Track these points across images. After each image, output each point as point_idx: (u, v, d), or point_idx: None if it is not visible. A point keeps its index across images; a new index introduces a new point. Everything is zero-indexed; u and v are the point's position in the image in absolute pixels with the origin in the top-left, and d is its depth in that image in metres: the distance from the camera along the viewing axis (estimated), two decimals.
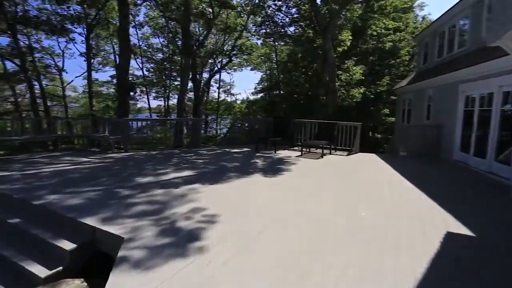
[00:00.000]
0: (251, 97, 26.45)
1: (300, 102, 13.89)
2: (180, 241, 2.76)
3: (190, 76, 11.96)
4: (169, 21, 16.14)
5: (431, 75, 9.89)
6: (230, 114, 27.51)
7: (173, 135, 10.63)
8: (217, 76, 25.61)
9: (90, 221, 3.24)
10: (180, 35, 19.76)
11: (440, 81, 8.98)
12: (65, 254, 2.99)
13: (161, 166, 6.31)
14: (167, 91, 24.29)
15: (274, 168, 6.26)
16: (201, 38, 15.26)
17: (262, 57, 23.78)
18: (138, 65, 22.56)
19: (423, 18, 25.66)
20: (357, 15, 16.45)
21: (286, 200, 4.15)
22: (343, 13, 13.81)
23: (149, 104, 24.21)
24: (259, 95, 24.92)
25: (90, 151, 8.31)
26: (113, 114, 18.50)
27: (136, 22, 21.06)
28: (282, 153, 8.17)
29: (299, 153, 8.13)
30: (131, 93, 16.81)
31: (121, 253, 2.55)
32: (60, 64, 19.30)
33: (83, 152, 8.02)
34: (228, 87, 28.45)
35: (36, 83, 17.20)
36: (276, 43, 17.44)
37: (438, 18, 10.68)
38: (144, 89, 23.91)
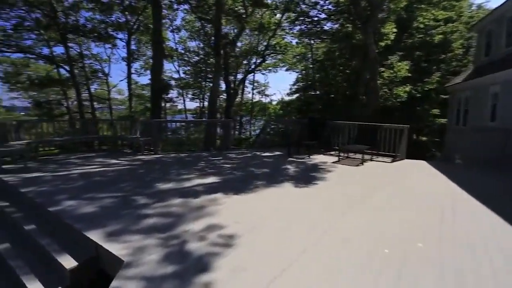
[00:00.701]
0: (286, 98, 25.76)
1: (337, 103, 12.97)
2: (186, 272, 2.28)
3: (223, 77, 11.71)
4: (204, 23, 16.14)
5: (497, 68, 8.45)
6: (264, 115, 27.08)
7: (204, 137, 10.38)
8: (251, 77, 25.38)
9: (96, 235, 2.92)
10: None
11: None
12: (66, 273, 2.68)
13: (186, 170, 5.98)
14: (203, 92, 24.56)
15: (307, 176, 5.61)
16: (233, 38, 15.00)
17: (297, 57, 22.99)
18: (175, 67, 23.08)
19: (480, 6, 22.94)
20: (402, 6, 14.99)
21: (320, 220, 3.50)
22: (386, 4, 12.59)
23: (184, 106, 24.67)
24: (294, 96, 24.17)
25: (123, 153, 8.33)
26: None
27: (174, 26, 21.55)
28: (317, 158, 7.45)
29: (336, 159, 7.34)
30: (165, 95, 17.14)
31: (114, 283, 2.14)
32: (106, 69, 20.47)
33: (116, 154, 8.04)
34: (263, 88, 28.06)
35: (84, 87, 18.39)
36: (312, 41, 16.59)
37: (506, 1, 9.13)
38: (181, 91, 24.40)
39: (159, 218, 3.41)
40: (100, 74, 20.20)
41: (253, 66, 20.39)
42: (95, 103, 22.72)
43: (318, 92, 18.95)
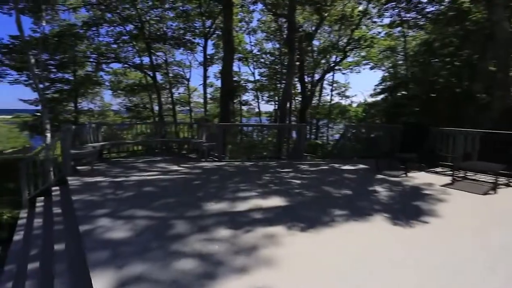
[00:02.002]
0: (369, 99, 22.87)
1: (441, 104, 10.27)
2: None
3: (297, 76, 10.52)
4: (279, 19, 15.27)
5: None
6: (344, 119, 24.68)
7: (276, 143, 9.33)
8: (330, 77, 23.43)
9: (102, 281, 2.13)
10: None
11: None
12: None
13: (247, 185, 5.02)
14: (277, 95, 23.81)
15: (407, 207, 3.97)
16: (311, 31, 13.64)
17: (384, 52, 20.08)
18: (251, 70, 22.94)
19: None
20: None
21: None
22: None
23: (259, 108, 24.35)
24: (379, 97, 21.19)
25: (188, 158, 7.95)
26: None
27: (250, 29, 21.40)
28: (418, 177, 5.57)
29: (447, 180, 5.33)
30: (235, 97, 16.89)
31: None
32: (188, 74, 21.72)
33: (180, 159, 7.70)
34: (343, 88, 25.67)
35: (168, 91, 19.80)
36: (406, 30, 13.90)
37: None
38: (256, 93, 24.17)
39: (192, 262, 2.45)
40: (182, 80, 21.45)
41: (332, 65, 18.57)
42: (177, 106, 24.47)
43: (409, 92, 15.94)
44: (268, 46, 22.96)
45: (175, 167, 6.45)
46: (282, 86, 23.39)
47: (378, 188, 4.84)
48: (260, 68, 24.14)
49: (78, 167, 6.18)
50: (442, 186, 4.93)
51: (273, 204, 4.01)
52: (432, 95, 10.53)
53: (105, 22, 13.73)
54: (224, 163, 7.09)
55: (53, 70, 14.22)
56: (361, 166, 6.69)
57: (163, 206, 3.85)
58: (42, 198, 5.09)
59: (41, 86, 8.47)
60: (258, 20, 21.20)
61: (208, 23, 16.22)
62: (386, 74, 22.18)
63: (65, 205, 4.26)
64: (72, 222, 3.58)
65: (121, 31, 14.71)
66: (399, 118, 11.45)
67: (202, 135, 8.11)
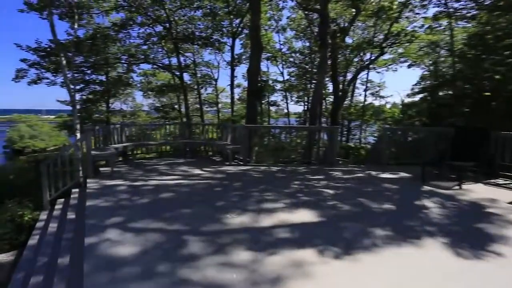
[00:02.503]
0: (406, 100, 21.27)
1: (496, 104, 8.98)
2: None
3: (329, 75, 9.81)
4: (310, 13, 14.56)
5: None
6: (378, 120, 23.23)
7: (305, 146, 8.68)
8: (363, 77, 22.19)
9: None
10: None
11: None
12: None
13: (273, 194, 4.51)
14: (307, 95, 23.02)
15: (469, 230, 3.24)
16: (345, 26, 12.77)
17: (424, 49, 18.50)
18: (280, 70, 22.35)
19: None
20: None
21: None
22: None
23: (288, 109, 23.68)
24: (417, 97, 19.59)
25: (212, 161, 7.61)
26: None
27: (279, 27, 20.85)
28: (475, 191, 4.70)
29: None
30: (262, 97, 16.38)
31: None
32: (216, 75, 21.60)
33: (204, 162, 7.37)
34: (378, 88, 24.23)
35: (195, 92, 19.85)
36: (455, 22, 12.50)
37: None
38: (285, 93, 23.57)
39: None
40: (210, 80, 21.42)
41: (367, 63, 17.47)
42: (205, 106, 24.53)
43: (453, 92, 14.40)
44: (298, 44, 22.28)
45: (197, 171, 6.11)
46: (312, 86, 22.62)
47: (427, 203, 4.09)
48: (289, 68, 23.53)
49: (101, 169, 6.07)
50: (510, 203, 4.07)
51: (302, 219, 3.46)
52: (486, 93, 9.27)
53: (135, 23, 13.93)
54: (249, 167, 6.63)
55: (87, 72, 14.72)
56: (403, 174, 5.90)
57: (178, 218, 3.47)
58: (62, 200, 4.97)
59: (72, 87, 8.59)
60: (287, 18, 20.56)
61: (236, 22, 15.96)
62: (426, 72, 20.53)
63: (80, 210, 4.04)
64: (81, 231, 3.31)
65: (151, 32, 14.88)
66: (443, 120, 10.30)
67: (227, 136, 7.74)
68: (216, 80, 21.57)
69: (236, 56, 17.29)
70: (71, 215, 4.03)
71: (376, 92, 24.44)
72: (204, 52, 19.97)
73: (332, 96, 12.93)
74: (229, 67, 17.05)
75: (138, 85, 19.00)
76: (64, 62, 8.55)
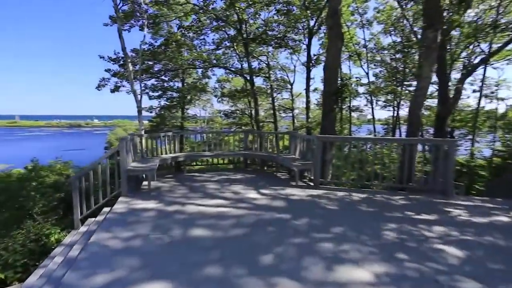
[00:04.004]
0: None
1: None
2: None
3: (435, 69, 7.19)
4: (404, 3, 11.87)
5: None
6: (494, 129, 17.99)
7: (398, 165, 6.31)
8: (478, 74, 17.50)
9: None
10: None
11: None
12: None
13: (354, 246, 2.78)
14: (397, 98, 19.52)
15: None
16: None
17: None
18: (364, 71, 19.50)
19: None
20: None
21: None
22: None
23: (373, 115, 20.52)
24: None
25: (275, 178, 6.13)
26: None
27: (364, 21, 18.22)
28: None
29: None
30: (343, 101, 14.08)
31: None
32: (291, 78, 20.26)
33: (266, 179, 5.96)
34: (495, 88, 18.90)
35: (268, 97, 18.86)
36: None
37: None
38: (370, 97, 20.57)
39: None
40: (285, 84, 20.14)
41: (486, 55, 13.45)
42: (280, 112, 23.33)
43: None
44: (387, 41, 19.16)
45: (252, 194, 4.71)
46: (404, 88, 19.06)
47: None
48: (376, 68, 20.48)
49: (145, 182, 5.25)
50: None
51: None
52: None
53: (207, 26, 13.65)
54: (322, 192, 4.90)
55: (165, 79, 15.19)
56: None
57: (199, 283, 2.08)
58: (93, 220, 4.21)
59: (138, 90, 8.39)
60: (375, 9, 17.84)
61: (313, 19, 14.28)
62: None
63: (85, 245, 3.06)
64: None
65: (223, 37, 14.48)
66: None
67: (295, 149, 6.16)
68: (291, 84, 20.19)
69: (313, 56, 15.54)
70: (76, 249, 3.09)
71: (492, 92, 19.10)
72: (279, 54, 18.91)
73: (438, 98, 9.91)
74: (305, 68, 15.42)
75: (212, 90, 19.03)
76: (131, 67, 8.44)
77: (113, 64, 11.38)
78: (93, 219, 4.25)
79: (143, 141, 5.79)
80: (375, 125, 20.40)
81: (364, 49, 18.77)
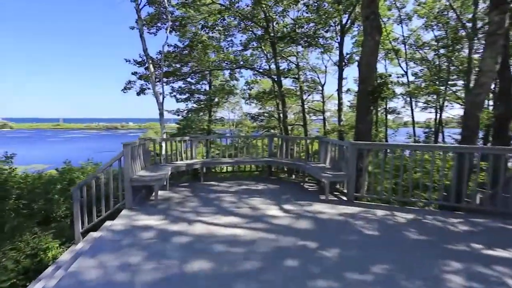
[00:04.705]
0: None
1: None
2: None
3: (500, 60, 5.93)
4: None
5: None
6: None
7: (452, 177, 5.18)
8: None
9: None
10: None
11: None
12: None
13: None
14: (441, 99, 17.71)
15: None
16: None
17: None
18: (402, 69, 17.91)
19: None
20: None
21: None
22: None
23: (413, 118, 18.83)
24: None
25: (301, 190, 5.38)
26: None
27: (403, 15, 16.76)
28: None
29: None
30: (381, 101, 12.78)
31: None
32: (322, 79, 19.24)
33: (291, 191, 5.24)
34: None
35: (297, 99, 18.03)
36: None
37: None
38: (408, 98, 18.95)
39: None
40: (315, 85, 19.18)
41: None
42: (311, 115, 22.32)
43: None
44: (428, 37, 17.48)
45: (273, 210, 4.01)
46: (448, 87, 17.22)
47: None
48: (415, 66, 18.85)
49: (161, 192, 4.77)
50: None
51: None
52: None
53: (235, 28, 13.21)
54: (357, 209, 4.07)
55: (192, 81, 15.01)
56: None
57: None
58: (94, 234, 3.77)
59: (159, 91, 8.09)
60: (415, 1, 16.35)
61: (345, 18, 13.29)
62: None
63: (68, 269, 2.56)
64: None
65: (251, 37, 13.95)
66: None
67: (324, 157, 5.36)
68: (322, 86, 19.18)
69: (346, 55, 14.49)
70: (54, 279, 2.60)
71: None
72: (309, 55, 18.02)
73: (499, 96, 8.46)
74: (337, 68, 14.39)
75: (240, 92, 18.58)
76: (152, 69, 8.17)
77: (139, 67, 11.35)
78: (94, 233, 3.81)
79: (158, 146, 5.34)
80: (415, 128, 18.62)
81: (403, 45, 17.26)
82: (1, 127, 68.77)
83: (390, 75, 8.31)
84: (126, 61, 11.11)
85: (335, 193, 4.92)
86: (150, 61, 7.91)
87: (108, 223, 3.75)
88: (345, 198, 4.59)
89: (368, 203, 4.47)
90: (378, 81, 7.31)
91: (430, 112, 20.32)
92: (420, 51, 18.43)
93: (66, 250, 3.64)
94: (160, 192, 4.84)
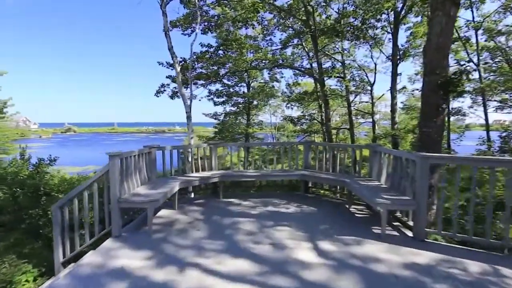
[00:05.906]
0: None
1: None
2: None
3: None
4: None
5: None
6: None
7: None
8: None
9: None
10: None
11: None
12: None
13: None
14: None
15: None
16: None
17: None
18: (473, 62, 14.99)
19: None
20: None
21: None
22: None
23: (486, 119, 15.82)
24: None
25: (347, 216, 4.08)
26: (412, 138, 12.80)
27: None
28: None
29: None
30: (456, 96, 10.40)
31: None
32: (371, 78, 17.28)
33: (332, 217, 3.99)
34: None
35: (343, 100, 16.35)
36: None
37: None
38: (481, 96, 15.99)
39: None
40: (363, 84, 17.26)
41: None
42: (358, 117, 20.31)
43: None
44: (506, 22, 14.52)
45: (305, 250, 2.83)
46: None
47: None
48: (488, 58, 15.84)
49: (159, 214, 3.90)
50: None
51: None
52: None
53: (274, 26, 12.19)
54: (433, 257, 2.67)
55: (229, 83, 14.33)
56: None
57: None
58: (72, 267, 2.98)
59: (187, 94, 7.37)
60: None
61: (400, 4, 11.37)
62: None
63: None
64: None
65: (290, 34, 12.80)
66: None
67: (379, 171, 3.99)
68: (372, 85, 17.18)
69: (401, 48, 12.49)
70: None
71: None
72: (356, 51, 16.23)
73: None
74: (390, 63, 12.47)
75: (282, 94, 17.45)
76: (178, 68, 7.48)
77: (172, 69, 10.93)
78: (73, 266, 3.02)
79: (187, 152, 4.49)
80: (489, 132, 15.53)
81: (473, 32, 14.49)
82: (66, 130, 78.06)
83: (470, 61, 6.46)
84: (159, 64, 10.75)
85: (395, 223, 3.54)
86: (176, 60, 7.25)
87: (90, 254, 2.92)
88: (410, 234, 3.20)
89: (448, 244, 3.02)
90: (463, 66, 5.62)
91: (508, 113, 16.94)
92: (496, 40, 15.41)
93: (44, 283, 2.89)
94: (165, 213, 3.95)
